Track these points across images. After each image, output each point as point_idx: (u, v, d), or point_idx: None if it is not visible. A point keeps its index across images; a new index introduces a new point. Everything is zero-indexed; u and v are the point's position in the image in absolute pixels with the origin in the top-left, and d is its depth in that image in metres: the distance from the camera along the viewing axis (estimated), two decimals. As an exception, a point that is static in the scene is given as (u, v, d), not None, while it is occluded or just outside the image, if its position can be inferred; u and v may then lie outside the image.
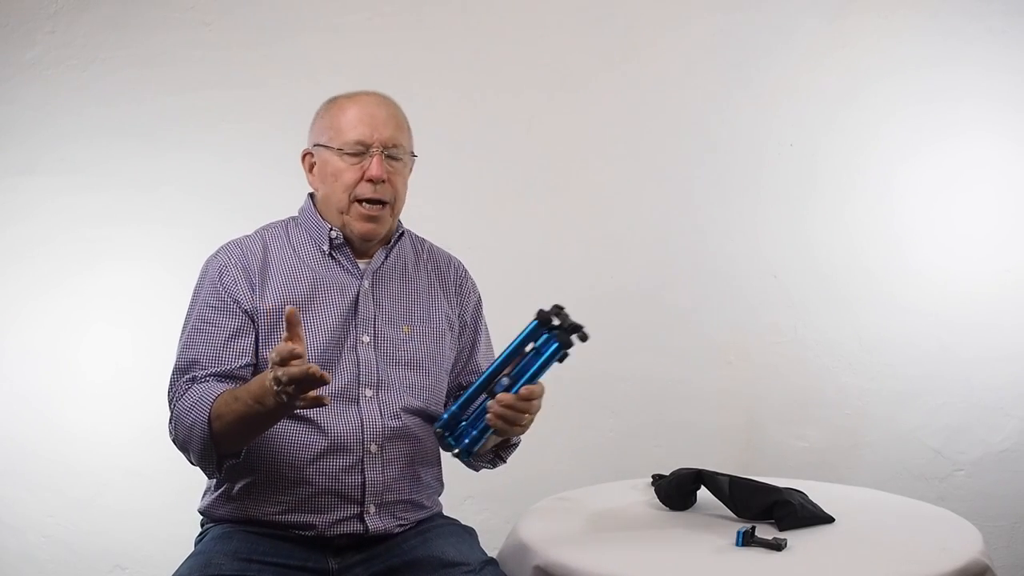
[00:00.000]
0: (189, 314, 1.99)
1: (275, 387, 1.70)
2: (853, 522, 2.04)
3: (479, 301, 2.17)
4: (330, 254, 2.01)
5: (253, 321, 1.94)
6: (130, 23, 2.91)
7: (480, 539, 2.07)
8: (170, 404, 1.93)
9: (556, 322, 1.82)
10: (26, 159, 2.90)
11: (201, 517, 2.04)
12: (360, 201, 1.97)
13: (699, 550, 1.89)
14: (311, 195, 2.08)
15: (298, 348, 1.69)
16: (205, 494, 2.02)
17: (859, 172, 3.05)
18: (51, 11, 2.89)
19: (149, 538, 2.89)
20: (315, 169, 2.03)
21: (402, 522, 1.98)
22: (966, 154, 3.02)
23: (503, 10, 3.02)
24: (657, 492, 2.18)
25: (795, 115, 3.05)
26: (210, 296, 1.96)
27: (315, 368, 1.66)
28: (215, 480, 1.98)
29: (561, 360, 1.83)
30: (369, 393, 1.95)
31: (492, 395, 1.85)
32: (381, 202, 1.98)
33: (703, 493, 2.13)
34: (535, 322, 1.82)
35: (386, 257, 2.05)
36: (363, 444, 1.93)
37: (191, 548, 1.97)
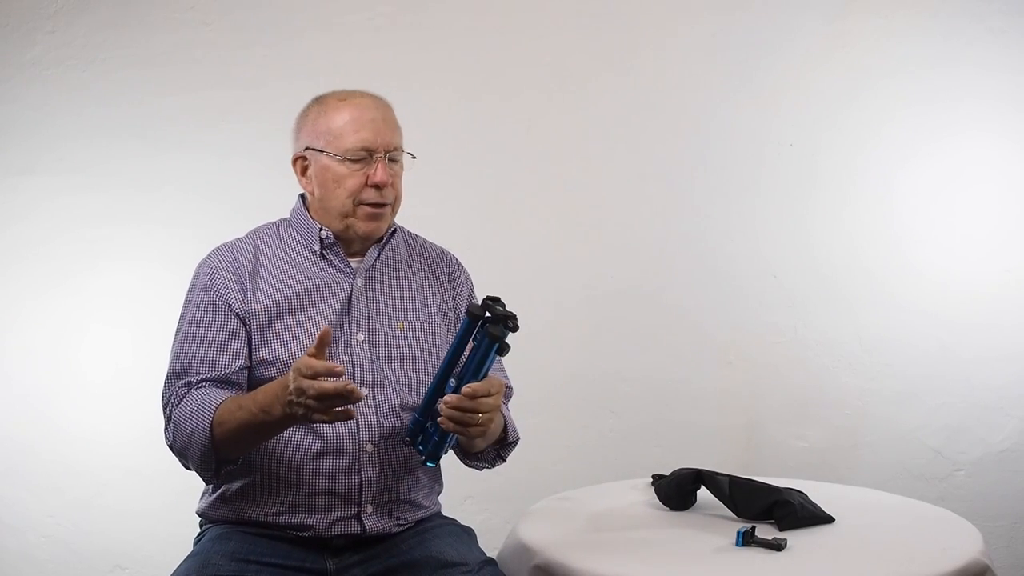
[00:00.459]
0: (182, 319, 1.99)
1: (294, 398, 1.71)
2: (853, 522, 2.04)
3: (472, 291, 2.16)
4: (321, 254, 2.01)
5: (245, 324, 1.94)
6: (130, 23, 2.91)
7: (480, 539, 2.07)
8: (165, 409, 1.93)
9: (489, 315, 1.79)
10: (26, 159, 2.90)
11: (199, 518, 2.04)
12: (363, 203, 1.98)
13: (699, 550, 1.89)
14: (302, 196, 2.08)
15: (338, 367, 1.69)
16: (203, 496, 2.02)
17: (859, 172, 3.05)
18: (51, 11, 2.89)
19: (149, 538, 2.89)
20: (310, 173, 2.01)
21: (400, 522, 1.98)
22: (966, 154, 3.02)
23: (503, 10, 3.02)
24: (657, 492, 2.18)
25: (795, 115, 3.05)
26: (202, 300, 1.96)
27: (353, 386, 1.68)
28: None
29: (501, 353, 1.79)
30: (364, 392, 1.94)
31: None
32: (384, 203, 1.99)
33: (703, 493, 2.13)
34: (467, 320, 1.80)
35: (379, 255, 2.05)
36: (359, 444, 1.93)
37: (190, 548, 1.97)
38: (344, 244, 2.03)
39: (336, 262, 2.02)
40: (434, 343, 2.04)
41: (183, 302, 2.00)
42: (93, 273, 2.91)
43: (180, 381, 1.92)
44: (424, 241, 2.17)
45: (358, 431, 1.93)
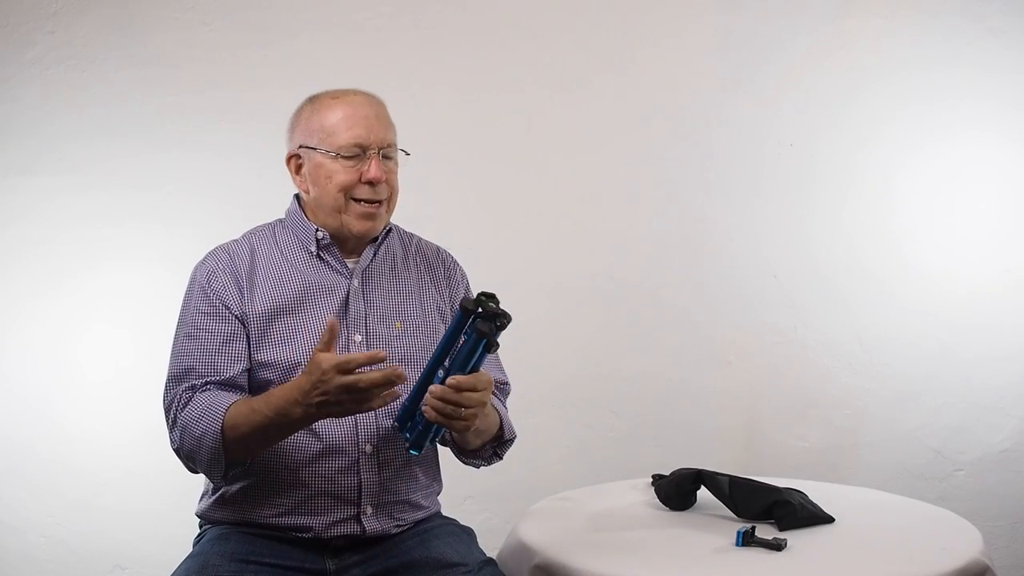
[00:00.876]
0: (180, 322, 1.98)
1: (329, 398, 1.72)
2: (853, 522, 2.04)
3: (468, 287, 2.16)
4: (318, 255, 2.01)
5: (244, 325, 1.94)
6: (130, 23, 2.91)
7: (480, 539, 2.07)
8: (168, 413, 1.92)
9: (480, 311, 1.78)
10: (25, 159, 2.90)
11: (199, 520, 2.04)
12: (357, 200, 1.97)
13: (699, 550, 1.89)
14: (297, 196, 2.08)
15: (381, 353, 1.72)
16: (202, 498, 2.02)
17: (859, 172, 3.05)
18: (51, 11, 2.89)
19: (148, 538, 2.89)
20: (304, 171, 2.01)
21: (400, 523, 1.98)
22: (966, 154, 3.02)
23: (503, 10, 3.02)
24: (657, 492, 2.18)
25: (795, 115, 3.05)
26: (200, 303, 1.95)
27: (400, 370, 1.72)
28: (212, 484, 1.98)
29: (488, 349, 1.78)
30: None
31: None
32: (379, 200, 1.99)
33: (703, 493, 2.13)
34: (459, 313, 1.80)
35: (375, 254, 2.05)
36: (358, 445, 1.93)
37: (190, 548, 1.97)
38: (340, 244, 2.02)
39: (332, 263, 2.02)
40: (432, 342, 2.03)
41: (181, 305, 2.00)
42: (93, 273, 2.91)
43: (182, 384, 1.91)
44: (419, 239, 2.17)
45: (357, 432, 1.93)
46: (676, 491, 2.14)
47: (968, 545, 1.90)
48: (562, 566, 1.84)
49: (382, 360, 1.72)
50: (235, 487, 1.94)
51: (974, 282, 3.02)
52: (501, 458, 2.09)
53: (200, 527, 2.03)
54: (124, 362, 2.91)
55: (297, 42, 2.94)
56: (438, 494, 2.11)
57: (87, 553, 2.91)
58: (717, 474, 2.10)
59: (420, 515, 2.02)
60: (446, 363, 1.82)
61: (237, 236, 2.07)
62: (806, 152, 3.05)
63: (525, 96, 3.02)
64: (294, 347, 1.93)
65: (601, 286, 3.04)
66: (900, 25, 3.02)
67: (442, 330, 2.05)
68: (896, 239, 3.05)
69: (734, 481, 2.07)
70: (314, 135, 1.98)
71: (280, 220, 2.09)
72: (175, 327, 1.99)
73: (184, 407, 1.88)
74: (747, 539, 1.88)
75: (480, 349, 1.78)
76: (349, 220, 1.99)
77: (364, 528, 1.94)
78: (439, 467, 2.10)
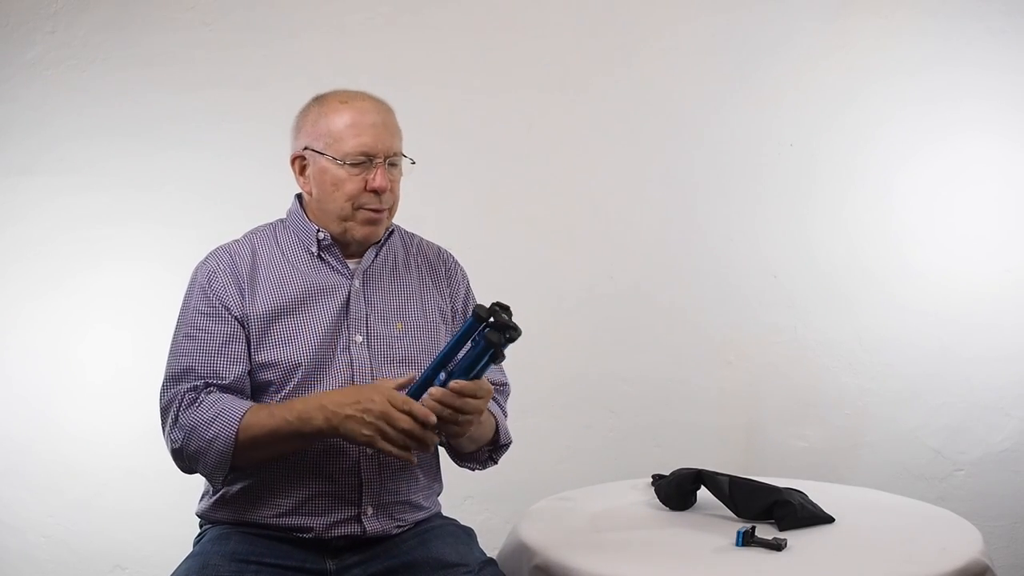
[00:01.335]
0: (180, 321, 1.97)
1: (369, 418, 1.78)
2: (853, 522, 2.04)
3: (468, 287, 2.16)
4: (319, 256, 2.01)
5: (244, 327, 1.94)
6: (130, 23, 2.91)
7: (480, 539, 2.07)
8: (167, 412, 1.91)
9: (492, 320, 1.78)
10: (25, 159, 2.90)
11: (199, 520, 2.04)
12: (362, 207, 1.97)
13: (699, 550, 1.89)
14: (298, 197, 2.07)
15: (432, 418, 1.79)
16: (202, 498, 2.02)
17: (859, 172, 3.05)
18: (51, 11, 2.89)
19: (149, 538, 2.89)
20: (308, 173, 2.00)
21: (400, 523, 1.98)
22: (966, 154, 3.02)
23: (503, 10, 3.02)
24: (657, 492, 2.18)
25: (795, 115, 3.05)
26: (201, 303, 1.95)
27: (434, 437, 1.82)
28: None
29: (495, 360, 1.79)
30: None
31: None
32: (383, 208, 1.99)
33: (703, 493, 2.13)
34: (471, 319, 1.80)
35: (376, 256, 2.04)
36: (359, 446, 1.93)
37: (190, 548, 1.97)
38: (341, 246, 2.02)
39: (334, 264, 2.01)
40: (433, 343, 2.03)
41: (180, 305, 1.99)
42: (93, 273, 2.91)
43: (182, 385, 1.90)
44: (420, 240, 2.16)
45: (358, 433, 1.93)
46: (676, 491, 2.14)
47: (968, 545, 1.90)
48: (562, 566, 1.84)
49: (430, 425, 1.78)
50: (236, 487, 1.94)
51: (974, 282, 3.02)
52: (496, 462, 2.10)
53: (200, 527, 2.03)
54: (124, 362, 2.91)
55: (297, 42, 2.94)
56: (438, 494, 2.11)
57: (87, 553, 2.92)
58: (717, 474, 2.10)
59: (420, 515, 2.02)
60: (449, 366, 1.82)
61: (238, 236, 2.07)
62: (806, 152, 3.05)
63: (525, 96, 3.02)
64: (295, 347, 1.93)
65: (601, 286, 3.04)
66: (900, 25, 3.03)
67: (443, 331, 2.05)
68: (896, 239, 3.05)
69: (734, 481, 2.07)
70: (320, 139, 1.97)
71: (281, 220, 2.09)
72: (174, 326, 1.98)
73: (189, 407, 1.88)
74: (747, 539, 1.88)
75: (486, 358, 1.78)
76: (353, 227, 1.99)
77: (365, 528, 1.94)
78: (439, 468, 2.10)
